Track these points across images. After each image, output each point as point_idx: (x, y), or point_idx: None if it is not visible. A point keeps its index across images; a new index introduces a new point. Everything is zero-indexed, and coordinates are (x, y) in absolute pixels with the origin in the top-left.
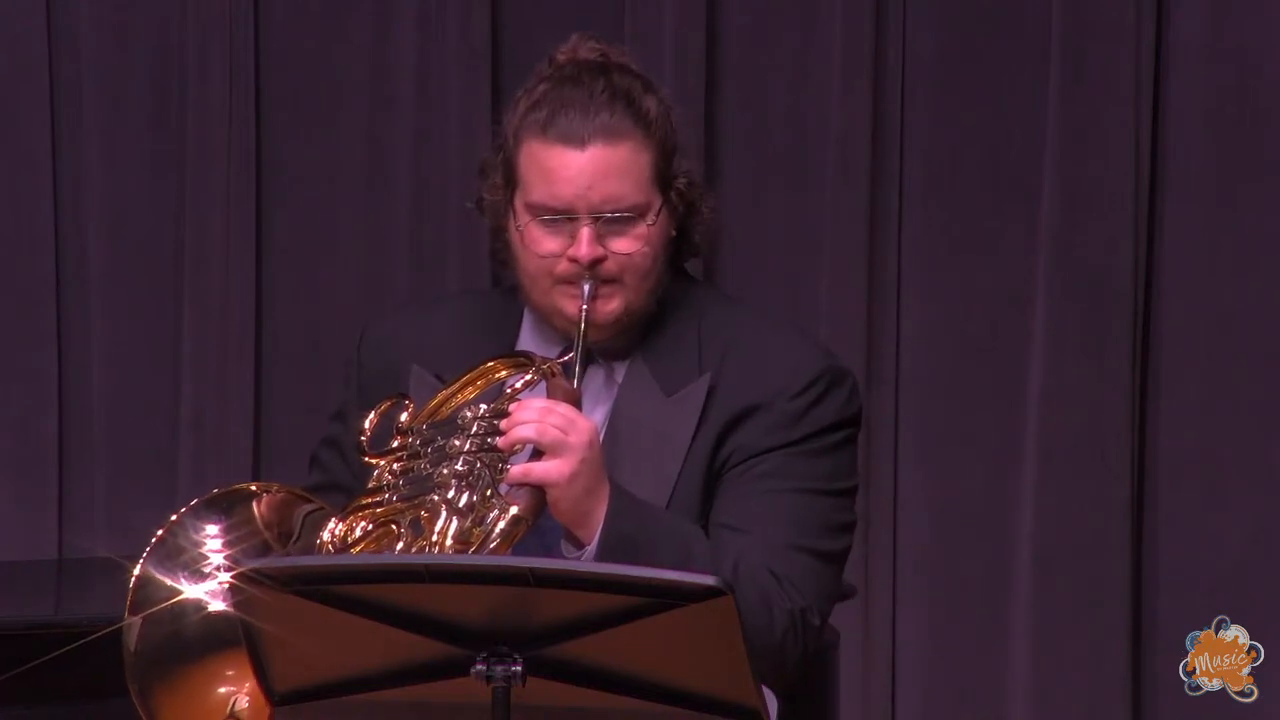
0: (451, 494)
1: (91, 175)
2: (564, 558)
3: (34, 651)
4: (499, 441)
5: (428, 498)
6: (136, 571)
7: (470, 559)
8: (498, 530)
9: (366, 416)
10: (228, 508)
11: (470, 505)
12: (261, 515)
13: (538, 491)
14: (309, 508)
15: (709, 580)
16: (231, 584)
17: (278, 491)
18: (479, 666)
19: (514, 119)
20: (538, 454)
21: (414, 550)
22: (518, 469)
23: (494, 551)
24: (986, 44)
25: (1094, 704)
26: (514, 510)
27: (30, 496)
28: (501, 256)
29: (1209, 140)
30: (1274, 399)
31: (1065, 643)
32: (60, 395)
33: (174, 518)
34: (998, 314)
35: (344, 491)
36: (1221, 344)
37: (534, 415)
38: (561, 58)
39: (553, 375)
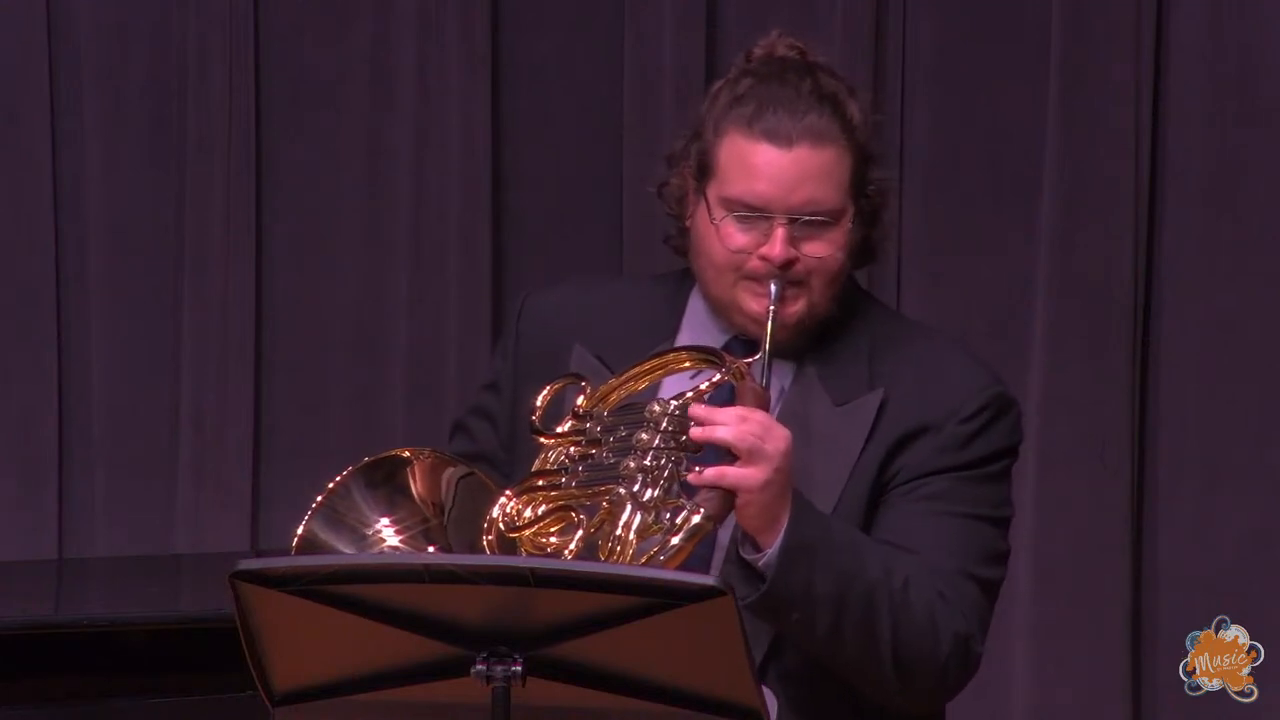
0: (637, 488)
1: (91, 175)
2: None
3: (34, 652)
4: (691, 434)
5: (613, 489)
6: (300, 531)
7: (470, 559)
8: (687, 528)
9: (540, 393)
10: (383, 477)
11: (653, 501)
12: (415, 484)
13: (728, 495)
14: (458, 471)
15: (708, 580)
16: (231, 583)
17: (427, 456)
18: (479, 666)
19: (714, 110)
20: (727, 455)
21: (596, 538)
22: (712, 472)
23: (677, 550)
24: (986, 44)
25: (1094, 704)
26: (703, 511)
27: (30, 496)
28: (675, 243)
29: (1209, 140)
30: (1274, 399)
31: (1065, 643)
32: (60, 395)
33: (332, 485)
34: (998, 314)
35: (489, 462)
36: (1221, 344)
37: (732, 419)
38: (759, 52)
39: (742, 377)
